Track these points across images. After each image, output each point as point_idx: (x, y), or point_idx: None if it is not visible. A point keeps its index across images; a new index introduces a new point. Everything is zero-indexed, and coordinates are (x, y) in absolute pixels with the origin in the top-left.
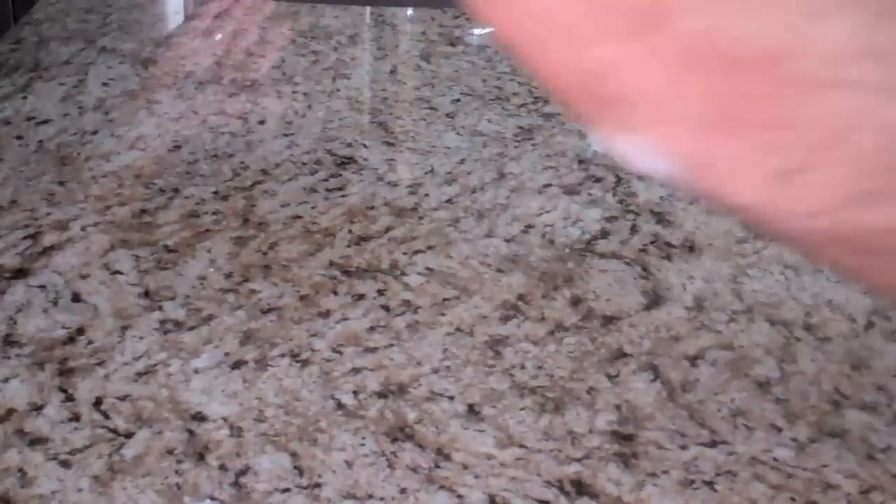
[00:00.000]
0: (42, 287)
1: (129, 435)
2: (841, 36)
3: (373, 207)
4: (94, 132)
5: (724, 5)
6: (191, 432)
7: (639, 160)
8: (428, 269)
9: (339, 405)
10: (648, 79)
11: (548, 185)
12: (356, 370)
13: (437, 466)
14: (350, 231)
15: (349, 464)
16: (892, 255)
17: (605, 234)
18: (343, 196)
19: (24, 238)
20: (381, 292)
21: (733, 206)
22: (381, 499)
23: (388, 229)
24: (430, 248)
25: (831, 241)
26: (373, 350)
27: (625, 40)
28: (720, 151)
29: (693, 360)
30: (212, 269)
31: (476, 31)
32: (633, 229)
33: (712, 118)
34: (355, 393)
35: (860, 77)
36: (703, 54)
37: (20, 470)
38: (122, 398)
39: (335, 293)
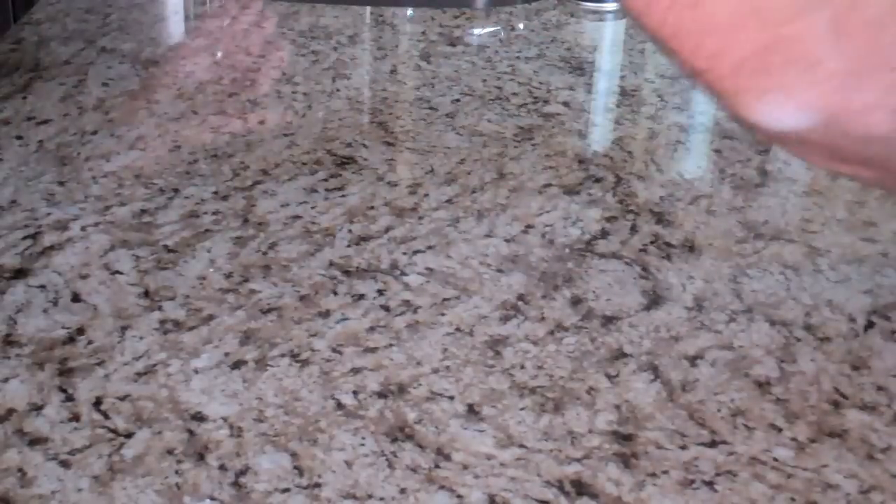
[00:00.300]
0: (42, 287)
1: (129, 435)
2: None
3: (373, 207)
4: (94, 132)
5: None
6: (191, 432)
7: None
8: (428, 269)
9: (339, 405)
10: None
11: (548, 185)
12: (356, 370)
13: (437, 466)
14: (350, 231)
15: (349, 464)
16: None
17: (605, 234)
18: (343, 196)
19: (24, 238)
20: (381, 292)
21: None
22: (381, 499)
23: (388, 229)
24: (430, 248)
25: None
26: (373, 350)
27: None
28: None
29: (693, 360)
30: (212, 269)
31: (476, 32)
32: (633, 229)
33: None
34: (355, 393)
35: None
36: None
37: (20, 470)
38: (122, 398)
39: (335, 293)
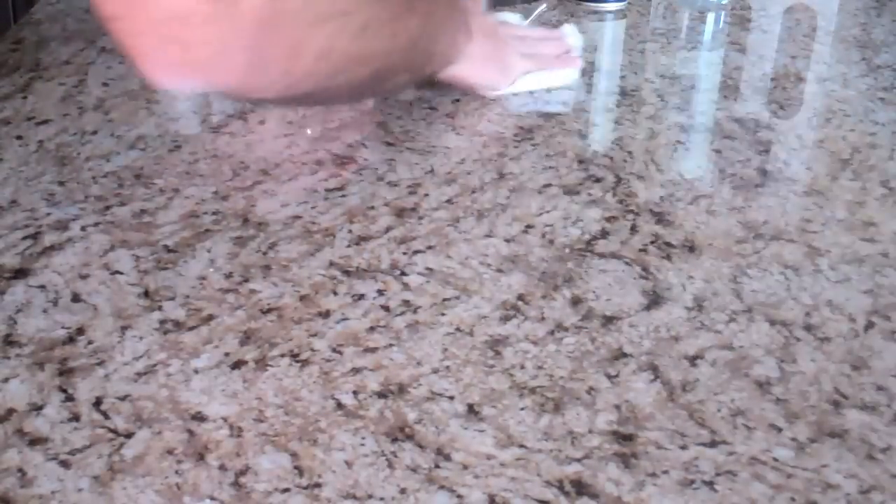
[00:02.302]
0: (42, 287)
1: (129, 435)
2: None
3: (373, 207)
4: (94, 132)
5: None
6: (191, 432)
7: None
8: (428, 269)
9: (339, 405)
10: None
11: (548, 185)
12: (356, 370)
13: (437, 466)
14: (350, 231)
15: (349, 464)
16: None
17: (605, 234)
18: (343, 196)
19: (24, 238)
20: (381, 292)
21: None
22: (381, 499)
23: (388, 229)
24: (430, 248)
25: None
26: (373, 350)
27: None
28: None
29: (693, 360)
30: (212, 269)
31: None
32: (633, 229)
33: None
34: (355, 393)
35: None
36: None
37: (20, 470)
38: (122, 398)
39: (335, 293)
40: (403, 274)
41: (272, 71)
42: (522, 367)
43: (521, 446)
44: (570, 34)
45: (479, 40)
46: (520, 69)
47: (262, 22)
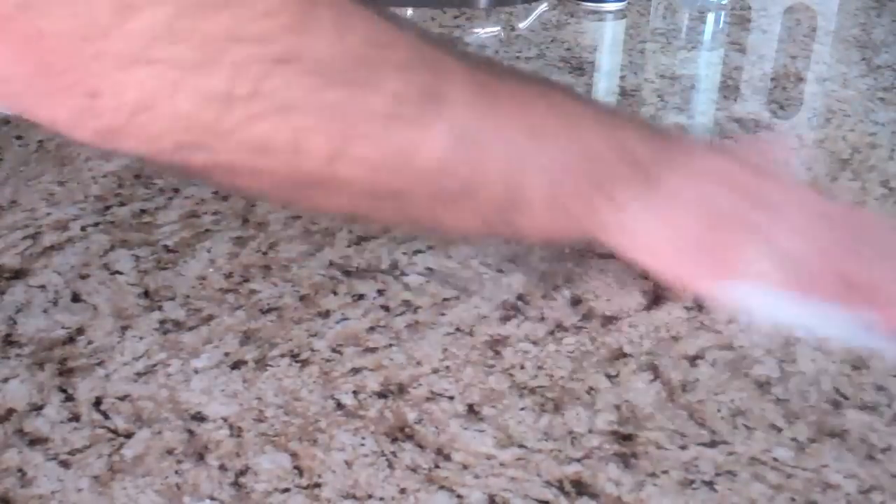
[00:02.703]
0: (42, 287)
1: (129, 435)
2: (150, 22)
3: None
4: None
5: None
6: (191, 432)
7: None
8: (428, 269)
9: (339, 405)
10: None
11: None
12: (356, 370)
13: (437, 466)
14: (350, 231)
15: (349, 464)
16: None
17: None
18: None
19: (24, 238)
20: (381, 292)
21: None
22: (381, 499)
23: (388, 229)
24: (430, 248)
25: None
26: (373, 350)
27: None
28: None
29: (693, 360)
30: (212, 269)
31: (476, 32)
32: None
33: (31, 82)
34: (355, 393)
35: (171, 55)
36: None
37: (20, 470)
38: (122, 398)
39: (335, 293)
40: (403, 274)
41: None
42: (522, 367)
43: (521, 446)
44: None
45: (684, 208)
46: (764, 281)
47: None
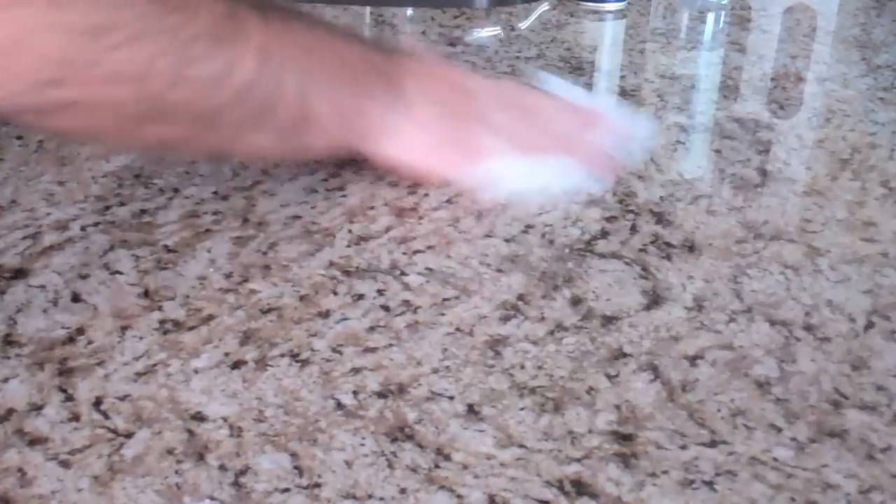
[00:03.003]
0: (42, 287)
1: (129, 435)
2: None
3: (373, 207)
4: None
5: None
6: (191, 432)
7: None
8: (428, 269)
9: (339, 405)
10: None
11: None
12: (356, 370)
13: (437, 466)
14: (350, 231)
15: (349, 464)
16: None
17: (605, 234)
18: (343, 196)
19: (24, 238)
20: (381, 292)
21: None
22: (381, 499)
23: (388, 229)
24: (429, 248)
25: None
26: (373, 350)
27: None
28: None
29: (693, 360)
30: (212, 269)
31: (476, 32)
32: (633, 229)
33: None
34: (355, 393)
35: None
36: None
37: (20, 470)
38: (122, 398)
39: (335, 293)
40: (403, 274)
41: None
42: (522, 367)
43: (521, 446)
44: (634, 123)
45: (427, 108)
46: (499, 156)
47: None
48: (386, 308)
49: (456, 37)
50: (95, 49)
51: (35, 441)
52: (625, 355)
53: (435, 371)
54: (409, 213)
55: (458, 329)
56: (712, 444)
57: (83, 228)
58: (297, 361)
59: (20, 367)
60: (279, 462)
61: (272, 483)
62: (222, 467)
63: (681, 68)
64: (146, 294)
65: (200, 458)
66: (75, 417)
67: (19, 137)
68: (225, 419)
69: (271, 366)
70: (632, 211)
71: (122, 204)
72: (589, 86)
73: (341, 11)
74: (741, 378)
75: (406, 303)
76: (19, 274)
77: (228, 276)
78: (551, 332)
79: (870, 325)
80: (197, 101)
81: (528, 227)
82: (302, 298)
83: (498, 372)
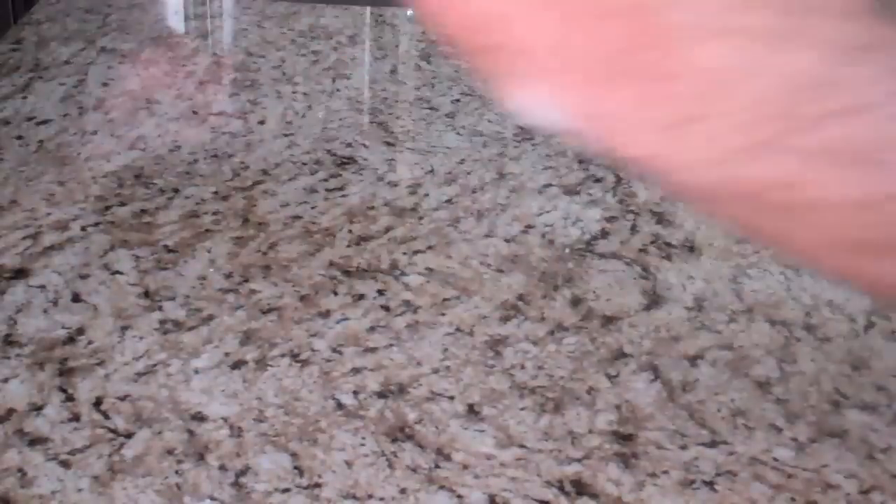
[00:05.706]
0: (42, 287)
1: (129, 435)
2: None
3: (373, 207)
4: (94, 132)
5: None
6: (191, 432)
7: (532, 112)
8: (428, 269)
9: (339, 405)
10: (531, 29)
11: (548, 185)
12: (356, 370)
13: (437, 466)
14: (350, 231)
15: (349, 464)
16: (784, 211)
17: (605, 234)
18: (343, 196)
19: (24, 238)
20: (381, 292)
21: (625, 158)
22: (381, 499)
23: (388, 229)
24: (430, 248)
25: (724, 195)
26: (373, 350)
27: None
28: (607, 103)
29: (693, 360)
30: (212, 269)
31: None
32: (633, 229)
33: (598, 69)
34: (355, 393)
35: (751, 24)
36: (581, 4)
37: (20, 470)
38: (122, 398)
39: (335, 293)
40: (403, 274)
41: None
42: (522, 367)
43: (521, 446)
44: None
45: None
46: None
47: None
48: (386, 308)
49: None
50: None
51: (35, 441)
52: (625, 355)
53: (435, 371)
54: (409, 213)
55: (458, 329)
56: (712, 444)
57: (83, 228)
58: (297, 361)
59: (20, 367)
60: (279, 462)
61: (272, 483)
62: (222, 467)
63: None
64: (146, 294)
65: (200, 458)
66: (75, 417)
67: (19, 137)
68: (225, 419)
69: (271, 366)
70: (632, 211)
71: (122, 204)
72: None
73: (342, 11)
74: (741, 378)
75: (406, 303)
76: (19, 274)
77: (228, 276)
78: (551, 332)
79: (870, 325)
80: None
81: (528, 227)
82: (302, 298)
83: (498, 372)
